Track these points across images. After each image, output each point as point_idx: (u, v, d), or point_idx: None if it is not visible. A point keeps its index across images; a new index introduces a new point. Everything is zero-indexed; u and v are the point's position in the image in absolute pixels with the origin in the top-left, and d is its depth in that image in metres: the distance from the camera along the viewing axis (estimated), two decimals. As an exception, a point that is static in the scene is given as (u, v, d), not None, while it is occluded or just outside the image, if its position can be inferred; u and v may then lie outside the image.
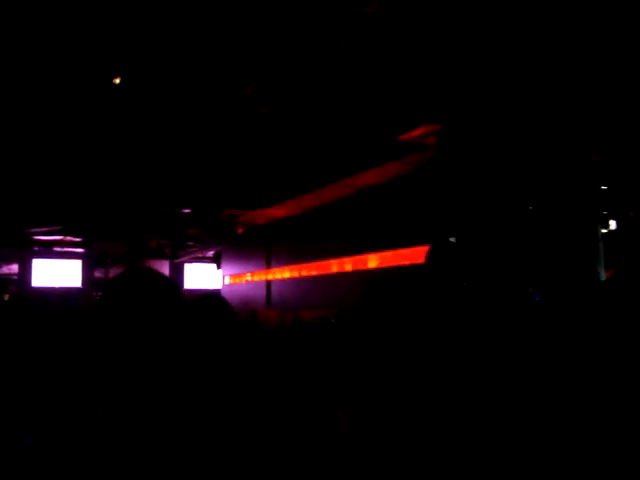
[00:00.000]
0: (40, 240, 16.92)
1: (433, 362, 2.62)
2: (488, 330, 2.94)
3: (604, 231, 7.41)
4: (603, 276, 6.67)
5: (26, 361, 3.12)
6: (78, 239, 16.68)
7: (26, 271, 20.28)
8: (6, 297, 18.29)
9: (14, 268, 20.32)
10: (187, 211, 12.01)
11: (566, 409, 2.85)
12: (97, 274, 21.61)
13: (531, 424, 2.75)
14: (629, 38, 4.72)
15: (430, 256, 3.23)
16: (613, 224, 9.02)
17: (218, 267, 18.82)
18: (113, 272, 21.56)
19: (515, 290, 7.12)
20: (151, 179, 9.51)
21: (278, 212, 11.92)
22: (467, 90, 5.85)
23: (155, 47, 5.24)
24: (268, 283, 13.73)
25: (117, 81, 5.89)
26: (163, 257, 19.70)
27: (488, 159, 7.48)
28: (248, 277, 15.29)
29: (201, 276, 22.02)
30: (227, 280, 17.24)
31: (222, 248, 17.73)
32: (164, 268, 20.22)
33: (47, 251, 19.52)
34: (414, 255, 8.28)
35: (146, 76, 5.85)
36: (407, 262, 8.47)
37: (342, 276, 10.32)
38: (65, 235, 15.60)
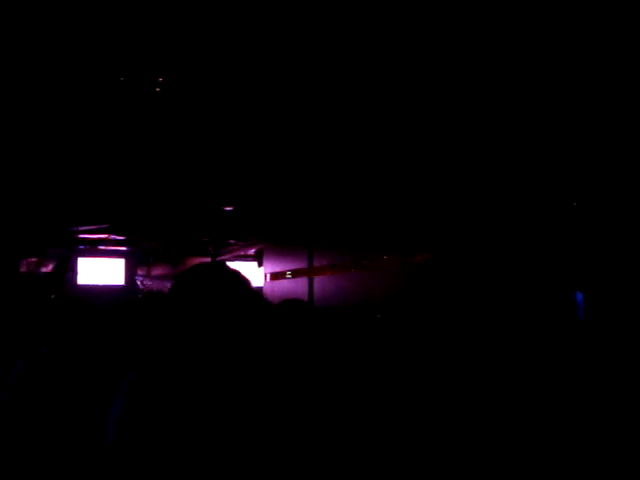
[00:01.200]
0: (85, 239, 17.22)
1: (481, 360, 2.61)
2: (530, 328, 2.91)
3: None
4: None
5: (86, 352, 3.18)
6: (122, 237, 16.93)
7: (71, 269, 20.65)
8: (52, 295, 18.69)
9: (59, 266, 20.73)
10: (229, 209, 12.11)
11: (614, 411, 2.81)
12: (140, 272, 21.92)
13: (578, 424, 2.72)
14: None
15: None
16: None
17: (260, 265, 18.88)
18: (155, 270, 21.85)
19: (558, 288, 7.03)
20: (195, 177, 9.62)
21: (320, 209, 11.91)
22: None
23: (201, 47, 5.29)
24: (310, 280, 13.75)
25: (160, 81, 5.96)
26: (205, 255, 19.87)
27: (533, 152, 7.38)
28: (289, 275, 15.34)
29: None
30: (268, 278, 17.34)
31: (264, 246, 17.80)
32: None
33: (92, 250, 19.85)
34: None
35: (189, 77, 5.91)
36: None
37: (386, 273, 10.28)
38: (111, 233, 15.84)
